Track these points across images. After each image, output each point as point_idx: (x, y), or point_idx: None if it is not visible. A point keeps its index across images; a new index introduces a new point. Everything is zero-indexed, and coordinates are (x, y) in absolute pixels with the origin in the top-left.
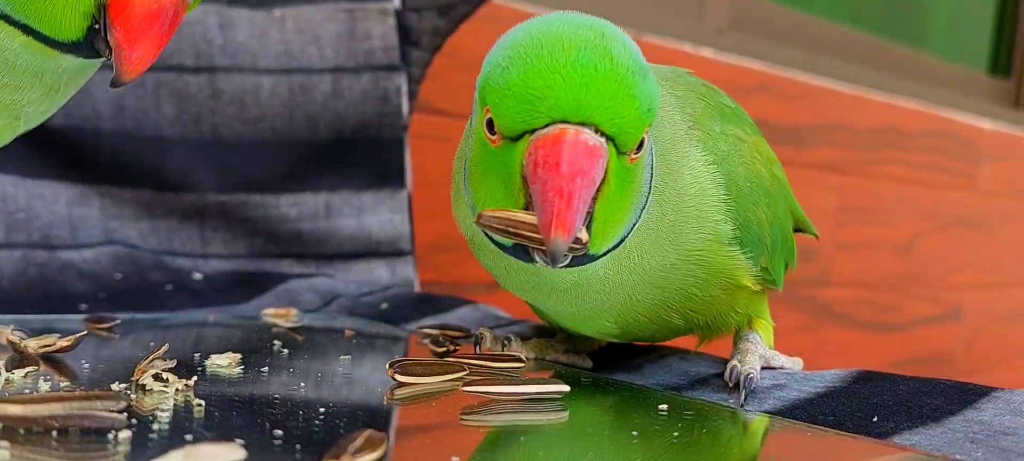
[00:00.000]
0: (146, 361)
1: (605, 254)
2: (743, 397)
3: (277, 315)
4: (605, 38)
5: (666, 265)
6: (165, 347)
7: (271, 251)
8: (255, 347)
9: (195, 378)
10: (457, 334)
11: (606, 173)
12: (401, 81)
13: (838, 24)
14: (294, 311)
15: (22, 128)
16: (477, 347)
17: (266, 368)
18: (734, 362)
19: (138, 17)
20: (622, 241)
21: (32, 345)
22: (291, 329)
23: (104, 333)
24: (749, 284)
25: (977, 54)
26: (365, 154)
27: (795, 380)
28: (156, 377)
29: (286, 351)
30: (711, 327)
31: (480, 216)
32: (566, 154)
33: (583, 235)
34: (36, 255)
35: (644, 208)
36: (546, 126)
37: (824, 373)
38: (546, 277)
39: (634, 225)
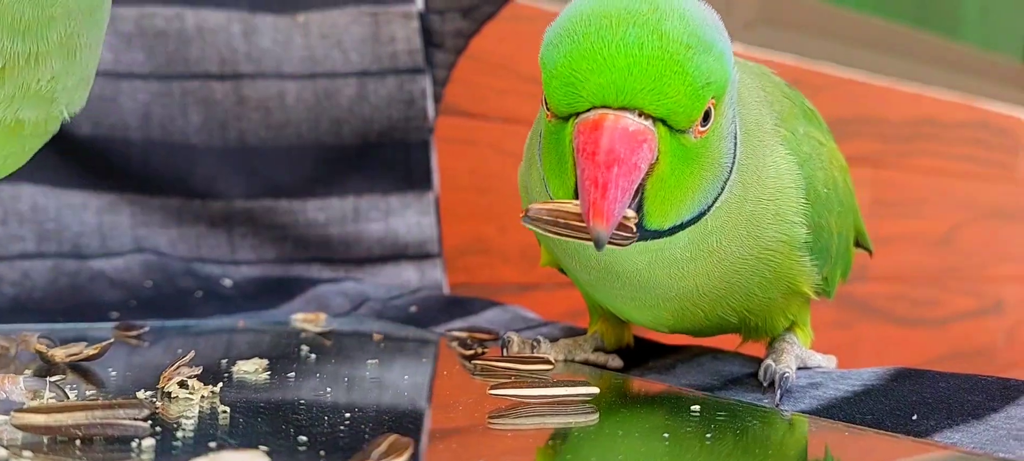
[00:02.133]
0: (172, 368)
1: (677, 229)
2: (778, 396)
3: (306, 320)
4: (658, 10)
5: (740, 256)
6: (191, 354)
7: (300, 256)
8: (283, 352)
9: (221, 385)
10: (486, 337)
11: (658, 154)
12: (426, 84)
13: (868, 15)
14: (323, 316)
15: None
16: (504, 350)
17: (293, 374)
18: (769, 361)
19: None
20: (702, 215)
21: (59, 354)
22: (320, 334)
23: (133, 340)
24: (808, 291)
25: (1011, 43)
26: (391, 157)
27: (831, 379)
28: (181, 384)
29: (313, 356)
30: (760, 329)
31: (527, 212)
32: (604, 142)
33: (631, 217)
34: (66, 264)
35: (727, 183)
36: (588, 110)
37: (861, 371)
38: (619, 257)
39: (715, 201)
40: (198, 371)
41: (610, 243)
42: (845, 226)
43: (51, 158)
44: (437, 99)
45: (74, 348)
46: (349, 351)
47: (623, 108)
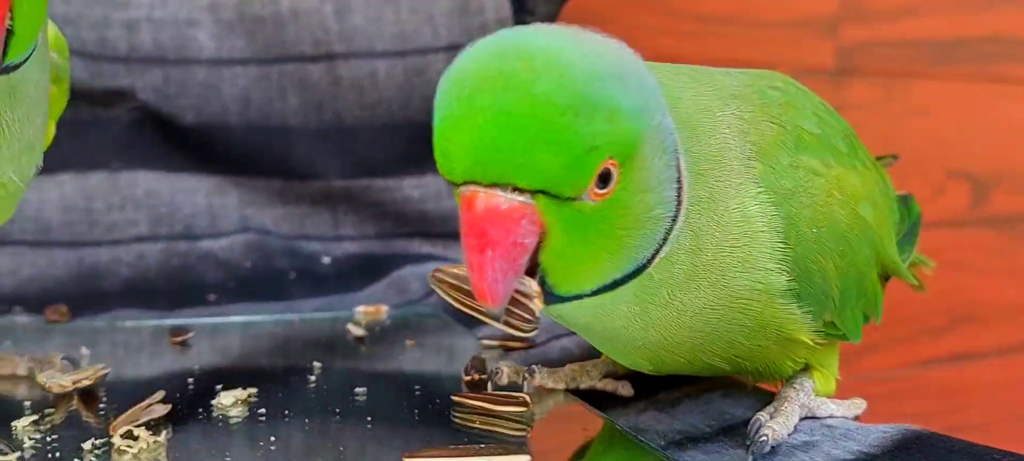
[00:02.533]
0: (136, 408)
1: (612, 286)
2: (749, 459)
3: (366, 313)
4: (534, 69)
5: (705, 307)
6: (160, 395)
7: (400, 231)
8: (288, 373)
9: (167, 434)
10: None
11: (545, 226)
12: None
13: None
14: (384, 308)
15: None
16: (489, 384)
17: (265, 410)
18: (762, 413)
19: None
20: (642, 269)
21: (52, 382)
22: (358, 339)
23: (178, 346)
24: (805, 340)
25: None
26: None
27: (832, 438)
28: (127, 434)
29: (312, 381)
30: (762, 373)
31: (434, 272)
32: (476, 224)
33: (532, 292)
34: (178, 246)
35: (672, 233)
36: (463, 185)
37: (869, 429)
38: (563, 311)
39: (658, 253)
40: (162, 412)
41: (509, 322)
42: (856, 264)
43: (162, 145)
44: None
45: (63, 380)
46: (361, 367)
47: (495, 184)
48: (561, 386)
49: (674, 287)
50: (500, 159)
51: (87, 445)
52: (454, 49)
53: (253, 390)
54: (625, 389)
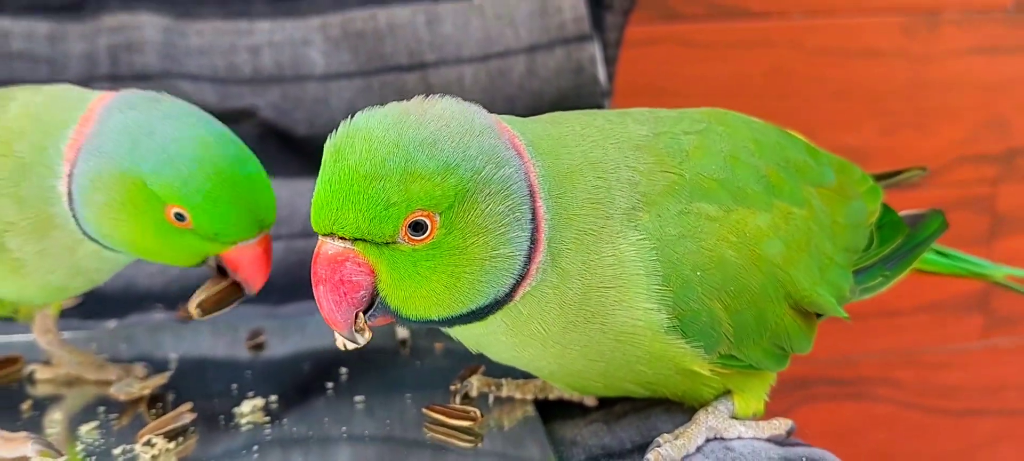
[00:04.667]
0: (163, 419)
1: (472, 316)
2: None
3: None
4: (351, 143)
5: (588, 341)
6: (188, 405)
7: None
8: (311, 380)
9: (176, 443)
10: None
11: (370, 264)
12: (594, 49)
13: None
14: None
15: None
16: (456, 397)
17: (274, 424)
18: (667, 435)
19: (253, 266)
20: (499, 304)
21: (119, 391)
22: (401, 341)
23: (252, 350)
24: (703, 371)
25: None
26: None
27: (724, 459)
28: (147, 443)
29: (331, 389)
30: (685, 397)
31: None
32: (313, 264)
33: (360, 323)
34: (297, 244)
35: (531, 272)
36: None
37: (763, 448)
38: (459, 332)
39: (517, 289)
40: (185, 421)
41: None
42: (754, 301)
43: (281, 155)
44: (610, 62)
45: (133, 388)
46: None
47: (328, 235)
48: (530, 397)
49: (546, 320)
50: (326, 215)
51: (118, 451)
52: (534, 50)
53: (274, 397)
54: (590, 399)
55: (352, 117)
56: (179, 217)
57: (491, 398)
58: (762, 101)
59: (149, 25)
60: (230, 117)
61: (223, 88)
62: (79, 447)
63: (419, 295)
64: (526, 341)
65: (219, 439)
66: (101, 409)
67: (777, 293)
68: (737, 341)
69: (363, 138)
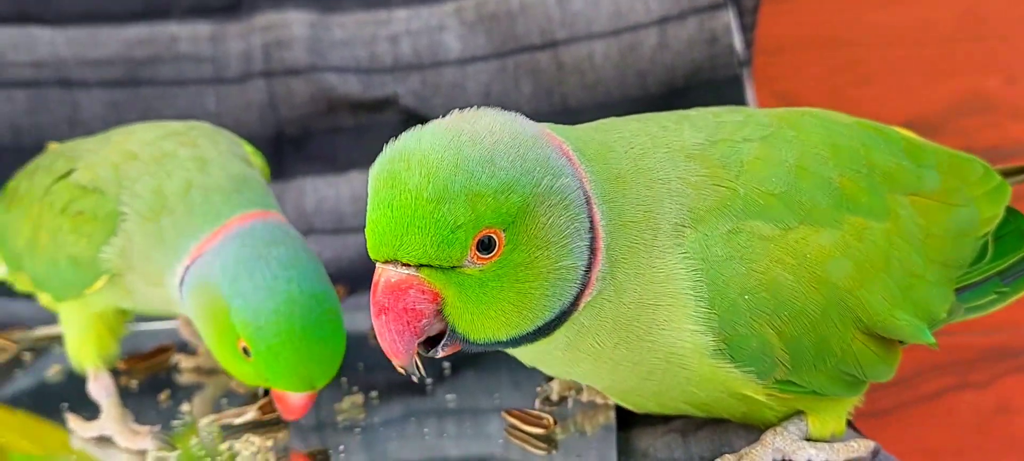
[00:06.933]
0: (232, 411)
1: (538, 334)
2: None
3: None
4: (410, 168)
5: (639, 360)
6: (255, 404)
7: None
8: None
9: (272, 440)
10: None
11: (436, 290)
12: (728, 18)
13: None
14: None
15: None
16: (536, 401)
17: (366, 421)
18: (727, 458)
19: (288, 410)
20: (566, 315)
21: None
22: None
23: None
24: (759, 397)
25: None
26: (700, 99)
27: None
28: (247, 439)
29: (429, 382)
30: (746, 419)
31: None
32: (374, 294)
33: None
34: None
35: (592, 279)
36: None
37: None
38: (522, 353)
39: (579, 301)
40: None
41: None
42: (814, 326)
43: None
44: (747, 29)
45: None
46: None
47: (389, 262)
48: (611, 401)
49: (602, 335)
50: (387, 243)
51: (224, 446)
52: (665, 21)
53: (376, 393)
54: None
55: (396, 139)
56: (245, 351)
57: (570, 402)
58: (953, 46)
59: (296, 22)
60: (374, 106)
61: (367, 78)
62: (194, 442)
63: (488, 316)
64: (581, 357)
65: (310, 436)
66: (224, 401)
67: (843, 318)
68: (794, 368)
69: (420, 161)
